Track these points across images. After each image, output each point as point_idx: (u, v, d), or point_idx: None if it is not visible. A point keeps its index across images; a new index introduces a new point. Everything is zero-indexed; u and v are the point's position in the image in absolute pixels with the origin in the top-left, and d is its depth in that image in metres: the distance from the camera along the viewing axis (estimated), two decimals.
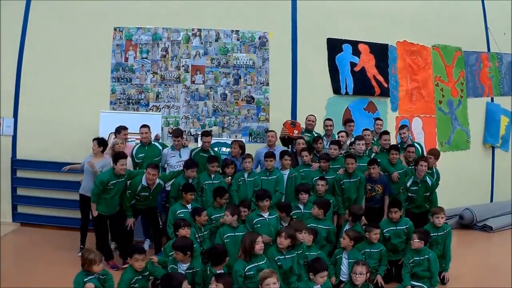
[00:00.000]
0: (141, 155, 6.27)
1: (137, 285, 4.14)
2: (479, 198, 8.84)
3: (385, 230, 5.40)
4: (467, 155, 9.08)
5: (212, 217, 5.37)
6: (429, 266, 4.94)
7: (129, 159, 6.15)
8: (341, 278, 4.90)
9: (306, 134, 6.93)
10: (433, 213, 5.48)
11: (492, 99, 9.50)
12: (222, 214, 5.20)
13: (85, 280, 3.89)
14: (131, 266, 4.15)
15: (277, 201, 5.72)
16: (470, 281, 5.45)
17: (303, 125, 7.12)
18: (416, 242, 4.94)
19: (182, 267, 4.31)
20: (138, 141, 6.39)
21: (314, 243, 5.03)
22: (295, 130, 6.83)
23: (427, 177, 5.95)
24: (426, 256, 4.95)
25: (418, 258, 4.95)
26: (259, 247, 4.36)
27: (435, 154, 6.41)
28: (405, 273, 4.98)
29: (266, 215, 5.25)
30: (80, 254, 5.84)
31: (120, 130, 6.19)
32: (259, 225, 5.17)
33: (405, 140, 6.86)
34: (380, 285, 5.01)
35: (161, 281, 3.92)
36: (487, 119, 9.36)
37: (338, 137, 6.76)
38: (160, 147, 6.46)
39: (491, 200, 9.29)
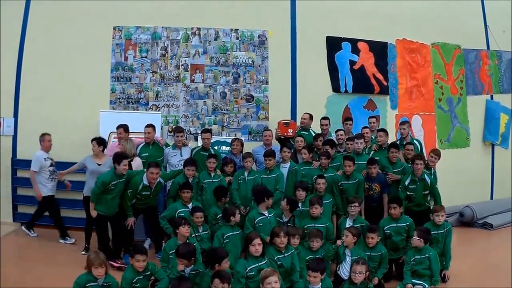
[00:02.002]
0: (145, 154, 6.31)
1: (138, 284, 4.14)
2: (479, 195, 8.86)
3: (386, 227, 5.41)
4: (467, 153, 9.08)
5: (218, 216, 5.37)
6: (430, 264, 4.93)
7: (139, 159, 6.18)
8: (343, 277, 4.90)
9: (303, 132, 6.93)
10: (433, 211, 5.49)
11: (491, 97, 9.51)
12: None
13: (87, 285, 3.87)
14: (132, 266, 4.15)
15: (277, 200, 5.72)
16: (471, 279, 5.46)
17: (299, 124, 7.14)
18: (416, 240, 4.94)
19: (187, 270, 4.32)
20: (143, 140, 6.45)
21: None
22: (289, 129, 6.81)
23: (426, 175, 5.94)
24: (427, 255, 4.94)
25: (419, 257, 4.95)
26: (254, 249, 4.37)
27: (439, 154, 6.36)
28: (406, 271, 4.98)
29: (266, 213, 5.26)
30: (83, 252, 5.91)
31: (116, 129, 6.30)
32: (261, 224, 5.18)
33: (405, 136, 6.86)
34: (380, 284, 5.01)
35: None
36: (486, 117, 9.36)
37: (337, 135, 6.76)
38: (164, 147, 6.51)
39: (491, 198, 9.30)
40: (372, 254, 5.05)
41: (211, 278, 3.97)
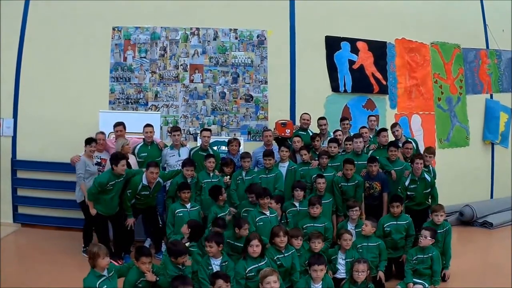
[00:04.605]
0: (144, 154, 6.30)
1: (141, 285, 4.14)
2: (479, 194, 8.84)
3: (386, 225, 5.39)
4: (467, 152, 9.07)
5: (219, 216, 5.33)
6: (432, 264, 4.92)
7: (133, 157, 6.18)
8: (337, 276, 4.89)
9: (301, 132, 6.92)
10: (432, 210, 5.48)
11: (491, 96, 9.49)
12: (226, 212, 5.29)
13: (98, 282, 3.82)
14: (137, 268, 4.15)
15: None
16: (471, 278, 5.46)
17: (298, 123, 7.13)
18: (428, 240, 4.90)
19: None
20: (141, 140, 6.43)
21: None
22: (286, 130, 6.82)
23: (426, 174, 5.94)
24: (430, 254, 4.92)
25: (422, 256, 4.94)
26: (251, 250, 4.36)
27: (433, 152, 6.39)
28: (408, 270, 4.96)
29: (267, 213, 5.25)
30: (84, 254, 5.89)
31: (114, 127, 6.26)
32: (261, 223, 5.17)
33: (399, 138, 6.84)
34: (380, 283, 4.99)
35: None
36: (486, 116, 9.35)
37: (335, 135, 6.75)
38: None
39: (491, 197, 9.28)
40: (369, 244, 5.05)
41: (213, 279, 3.97)
